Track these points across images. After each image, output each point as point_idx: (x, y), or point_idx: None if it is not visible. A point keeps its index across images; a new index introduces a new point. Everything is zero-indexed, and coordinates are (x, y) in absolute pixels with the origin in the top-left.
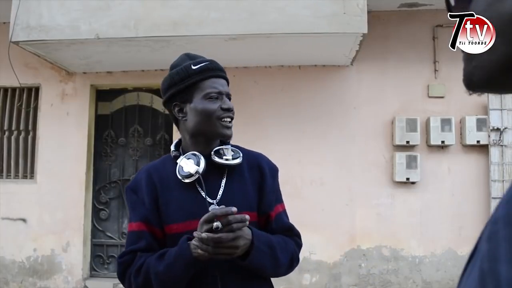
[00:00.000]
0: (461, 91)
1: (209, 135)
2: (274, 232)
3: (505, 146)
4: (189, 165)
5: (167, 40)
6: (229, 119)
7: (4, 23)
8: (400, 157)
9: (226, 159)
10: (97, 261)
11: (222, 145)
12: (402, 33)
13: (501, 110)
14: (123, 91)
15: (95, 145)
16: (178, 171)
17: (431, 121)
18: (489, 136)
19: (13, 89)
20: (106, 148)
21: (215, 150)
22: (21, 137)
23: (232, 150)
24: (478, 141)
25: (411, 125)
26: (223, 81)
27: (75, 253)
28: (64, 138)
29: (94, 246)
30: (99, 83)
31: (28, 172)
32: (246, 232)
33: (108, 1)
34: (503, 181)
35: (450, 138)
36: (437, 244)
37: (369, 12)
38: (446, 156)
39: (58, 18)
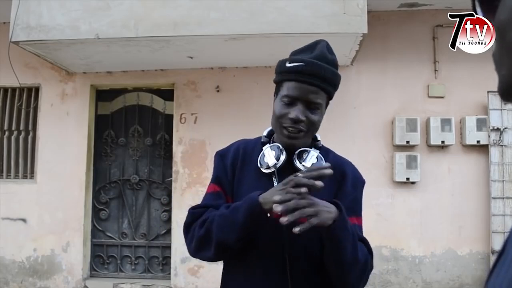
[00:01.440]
0: (461, 91)
1: (277, 138)
2: None
3: (505, 146)
4: (270, 156)
5: (167, 40)
6: (293, 130)
7: (4, 23)
8: (400, 157)
9: (303, 165)
10: (97, 261)
11: (311, 147)
12: (402, 33)
13: (501, 110)
14: (123, 91)
15: (95, 145)
16: (259, 158)
17: (431, 121)
18: (489, 136)
19: (13, 89)
20: (106, 148)
21: (299, 152)
22: (21, 137)
23: (317, 157)
24: (478, 141)
25: (411, 125)
26: (311, 88)
27: (75, 253)
28: (64, 138)
29: (94, 246)
30: (99, 83)
31: (28, 172)
32: (328, 206)
33: (108, 1)
34: (503, 181)
35: (450, 138)
36: (437, 244)
37: (369, 12)
38: (446, 156)
39: (58, 18)
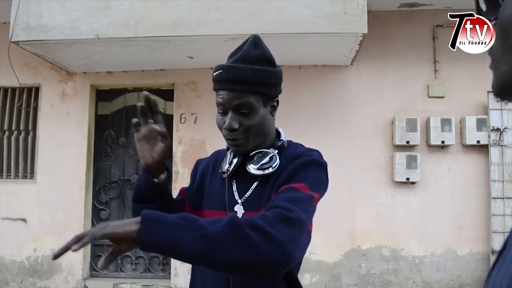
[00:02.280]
0: (461, 91)
1: None
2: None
3: (505, 146)
4: (225, 161)
5: (167, 40)
6: (232, 139)
7: (4, 23)
8: (400, 157)
9: (253, 168)
10: (97, 261)
11: (269, 148)
12: (402, 33)
13: (501, 110)
14: (123, 91)
15: (95, 145)
16: (222, 163)
17: (431, 121)
18: (489, 136)
19: (13, 89)
20: (106, 148)
21: (252, 154)
22: (21, 137)
23: (271, 157)
24: (478, 141)
25: (411, 125)
26: (231, 94)
27: (75, 253)
28: (64, 138)
29: (94, 246)
30: (99, 83)
31: (28, 172)
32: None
33: (108, 1)
34: (503, 181)
35: (450, 138)
36: (437, 244)
37: (369, 12)
38: (446, 156)
39: (58, 18)
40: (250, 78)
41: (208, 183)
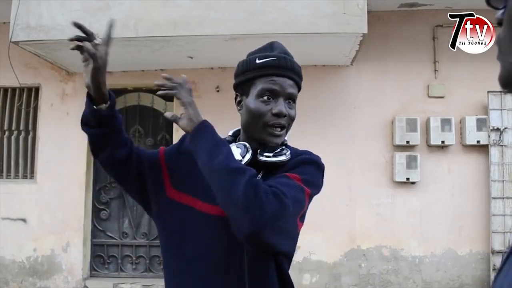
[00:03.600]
0: (461, 91)
1: (256, 138)
2: None
3: (505, 146)
4: (235, 153)
5: (167, 40)
6: (278, 127)
7: (4, 23)
8: (400, 157)
9: (267, 156)
10: (97, 261)
11: (277, 147)
12: (402, 33)
13: (501, 110)
14: (123, 91)
15: None
16: None
17: (431, 121)
18: (489, 136)
19: (13, 89)
20: None
21: (263, 148)
22: (21, 137)
23: (281, 148)
24: (478, 141)
25: (411, 125)
26: (288, 81)
27: (75, 253)
28: (64, 138)
29: (94, 246)
30: None
31: (28, 172)
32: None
33: (108, 1)
34: (503, 181)
35: (450, 138)
36: (437, 244)
37: (369, 12)
38: (446, 156)
39: (58, 18)
40: (300, 73)
41: (189, 166)
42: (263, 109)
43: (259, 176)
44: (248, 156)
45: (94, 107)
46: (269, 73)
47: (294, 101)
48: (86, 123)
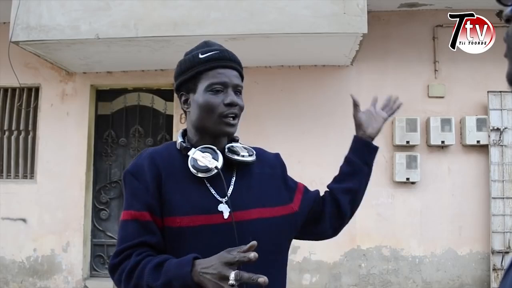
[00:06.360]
0: (461, 91)
1: (211, 131)
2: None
3: (505, 146)
4: (206, 159)
5: (167, 40)
6: (232, 116)
7: (4, 23)
8: (400, 157)
9: (243, 156)
10: (97, 261)
11: (232, 142)
12: (402, 33)
13: (501, 110)
14: (123, 91)
15: (95, 145)
16: (192, 164)
17: (431, 121)
18: (489, 136)
19: (13, 89)
20: (107, 148)
21: (229, 147)
22: (21, 137)
23: (243, 147)
24: (478, 141)
25: (411, 125)
26: (233, 72)
27: (75, 253)
28: (64, 138)
29: (94, 246)
30: (99, 83)
31: (28, 172)
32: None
33: (108, 1)
34: (503, 181)
35: (450, 138)
36: (437, 244)
37: (369, 12)
38: (446, 156)
39: (58, 18)
40: (240, 63)
41: (168, 186)
42: (214, 101)
43: (233, 179)
44: (221, 159)
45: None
46: (214, 65)
47: (240, 92)
48: None
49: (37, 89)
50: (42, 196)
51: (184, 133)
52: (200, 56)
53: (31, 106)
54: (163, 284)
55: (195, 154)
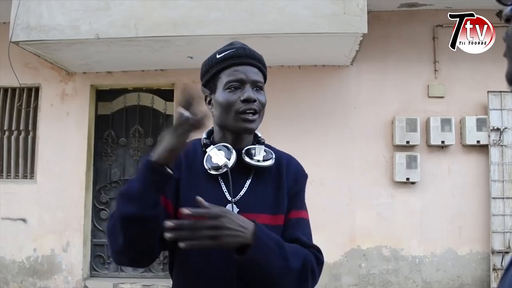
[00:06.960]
0: (461, 91)
1: (231, 128)
2: (285, 238)
3: (505, 146)
4: (219, 157)
5: (167, 40)
6: (250, 112)
7: (4, 23)
8: (400, 157)
9: (257, 160)
10: (97, 261)
11: (255, 144)
12: (402, 33)
13: (501, 110)
14: (123, 91)
15: (96, 145)
16: (206, 160)
17: (431, 121)
18: (489, 136)
19: (13, 89)
20: (107, 148)
21: (247, 149)
22: (21, 137)
23: (265, 151)
24: (478, 141)
25: (411, 125)
26: (251, 69)
27: (75, 253)
28: (64, 138)
29: (94, 246)
30: (99, 83)
31: (28, 172)
32: (239, 229)
33: (108, 1)
34: (503, 181)
35: (450, 138)
36: (437, 244)
37: (369, 12)
38: (446, 156)
39: (58, 18)
40: (262, 60)
41: (187, 179)
42: (231, 98)
43: (248, 181)
44: (233, 158)
45: (169, 170)
46: (231, 63)
47: (261, 88)
48: (138, 200)
49: (37, 89)
50: (42, 196)
51: (210, 132)
52: (217, 56)
53: (31, 106)
54: (129, 181)
55: (211, 151)
